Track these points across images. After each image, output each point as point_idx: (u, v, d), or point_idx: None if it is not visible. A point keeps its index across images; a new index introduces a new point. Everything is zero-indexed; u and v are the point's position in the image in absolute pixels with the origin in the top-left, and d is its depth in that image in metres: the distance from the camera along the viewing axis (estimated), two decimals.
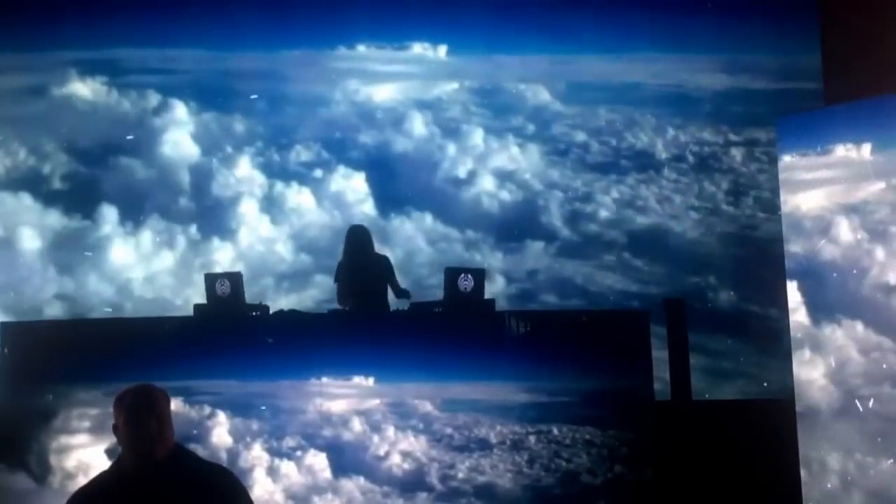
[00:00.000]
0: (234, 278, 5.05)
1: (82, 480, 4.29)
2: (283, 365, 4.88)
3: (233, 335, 4.96)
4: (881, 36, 5.21)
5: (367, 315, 5.34)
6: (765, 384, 6.54)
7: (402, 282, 5.65)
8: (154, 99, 7.67)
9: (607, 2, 7.47)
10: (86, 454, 4.73)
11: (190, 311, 5.07)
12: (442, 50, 7.79)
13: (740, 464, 4.94)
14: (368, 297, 5.39)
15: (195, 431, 4.76)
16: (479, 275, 5.08)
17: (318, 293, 7.28)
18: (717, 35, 7.34)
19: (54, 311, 7.10)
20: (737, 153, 7.58)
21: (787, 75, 7.10)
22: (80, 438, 4.77)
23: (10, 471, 4.78)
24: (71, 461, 4.76)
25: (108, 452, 4.63)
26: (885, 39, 5.15)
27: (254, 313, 5.13)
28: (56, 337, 5.05)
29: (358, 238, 5.50)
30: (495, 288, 7.01)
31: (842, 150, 4.18)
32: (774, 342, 6.50)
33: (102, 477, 2.65)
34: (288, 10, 7.42)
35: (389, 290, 5.49)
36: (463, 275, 5.02)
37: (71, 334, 5.20)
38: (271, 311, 5.29)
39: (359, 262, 5.44)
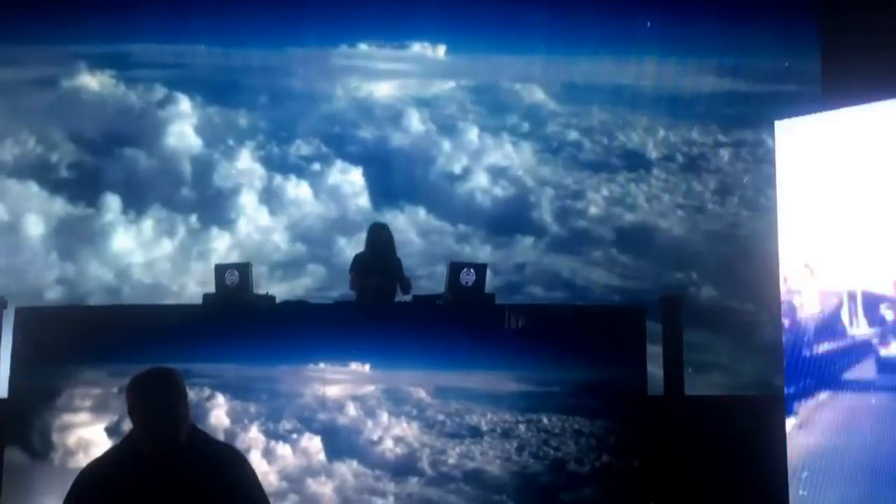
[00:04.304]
0: (244, 269, 5.13)
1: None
2: (281, 350, 4.96)
3: (238, 322, 5.02)
4: (881, 39, 5.26)
5: (369, 306, 5.45)
6: (745, 377, 6.68)
7: None
8: (160, 92, 7.79)
9: (603, 5, 7.59)
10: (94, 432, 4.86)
11: (186, 297, 5.14)
12: (441, 49, 7.92)
13: (727, 458, 5.00)
14: (385, 291, 5.54)
15: (195, 412, 4.85)
16: (481, 270, 5.19)
17: (310, 281, 7.42)
18: (713, 38, 7.48)
19: (55, 294, 7.22)
20: (725, 153, 7.75)
21: (779, 78, 7.26)
22: (85, 416, 4.87)
23: (21, 448, 4.87)
24: (77, 439, 4.86)
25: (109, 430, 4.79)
26: (885, 43, 5.20)
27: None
28: (67, 321, 5.16)
29: (385, 237, 5.63)
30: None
31: None
32: (756, 337, 6.68)
33: (112, 456, 2.60)
34: (292, 8, 7.54)
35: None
36: (465, 269, 5.12)
37: (80, 319, 5.30)
38: (277, 302, 5.37)
39: (382, 259, 5.58)
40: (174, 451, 2.50)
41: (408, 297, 5.53)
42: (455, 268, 5.17)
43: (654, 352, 5.28)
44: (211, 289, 5.16)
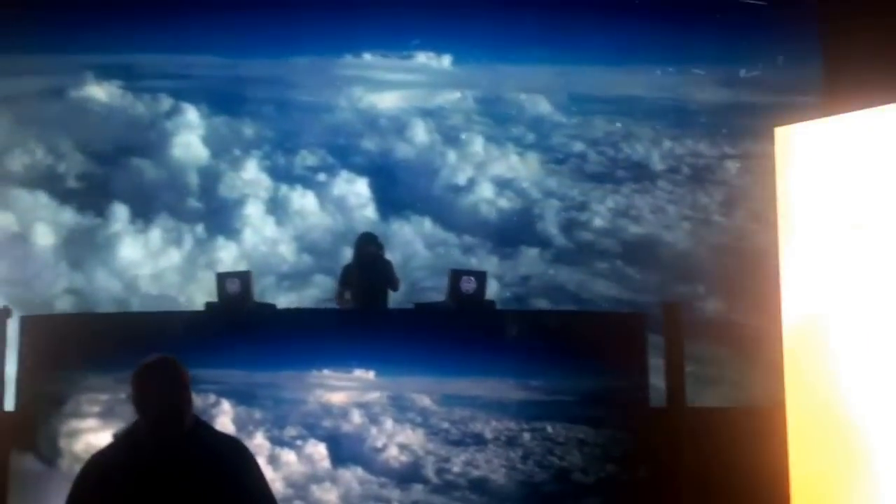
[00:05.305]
0: (245, 277, 5.17)
1: None
2: (286, 357, 4.98)
3: (243, 330, 5.05)
4: (881, 48, 5.27)
5: (372, 313, 5.50)
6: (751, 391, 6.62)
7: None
8: (167, 103, 7.87)
9: (608, 15, 7.61)
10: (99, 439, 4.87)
11: (194, 308, 5.18)
12: (446, 59, 7.96)
13: (730, 469, 4.98)
14: (374, 298, 5.60)
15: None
16: (481, 277, 5.25)
17: (318, 293, 7.42)
18: (715, 48, 7.50)
19: (64, 304, 7.27)
20: (731, 165, 7.74)
21: (785, 88, 7.23)
22: (92, 423, 4.90)
23: (29, 455, 4.90)
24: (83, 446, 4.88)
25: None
26: (885, 51, 5.21)
27: None
28: (72, 329, 5.21)
29: (370, 251, 5.66)
30: (489, 291, 7.12)
31: None
32: (762, 351, 6.62)
33: (117, 445, 2.63)
34: (296, 18, 7.58)
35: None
36: (465, 277, 5.18)
37: (85, 327, 5.34)
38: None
39: (370, 269, 5.62)
40: (178, 438, 2.55)
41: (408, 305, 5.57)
42: (455, 275, 5.22)
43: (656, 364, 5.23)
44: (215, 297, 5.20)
